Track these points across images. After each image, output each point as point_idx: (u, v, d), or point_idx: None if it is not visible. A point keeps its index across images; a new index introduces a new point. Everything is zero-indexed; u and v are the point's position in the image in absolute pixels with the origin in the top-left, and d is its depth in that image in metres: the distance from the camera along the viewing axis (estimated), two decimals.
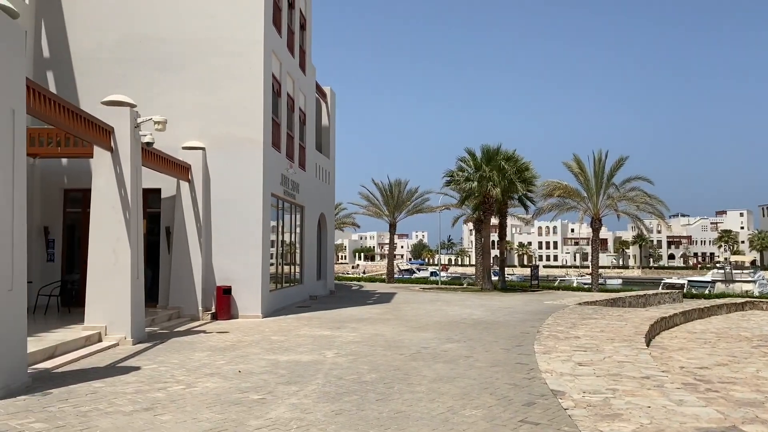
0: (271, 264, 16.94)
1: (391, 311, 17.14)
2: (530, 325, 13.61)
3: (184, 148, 15.05)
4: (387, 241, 43.15)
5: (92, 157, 11.28)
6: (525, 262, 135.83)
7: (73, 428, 5.50)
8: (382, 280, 38.81)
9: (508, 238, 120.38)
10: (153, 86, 15.37)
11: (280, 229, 18.14)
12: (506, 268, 35.55)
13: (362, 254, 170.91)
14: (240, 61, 15.55)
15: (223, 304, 14.71)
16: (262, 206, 15.39)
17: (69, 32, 15.68)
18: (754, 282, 59.93)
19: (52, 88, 14.98)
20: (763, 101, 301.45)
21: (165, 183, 14.98)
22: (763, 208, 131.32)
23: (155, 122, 11.44)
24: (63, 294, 13.92)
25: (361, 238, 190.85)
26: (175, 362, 8.94)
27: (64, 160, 14.97)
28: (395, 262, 50.75)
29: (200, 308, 14.65)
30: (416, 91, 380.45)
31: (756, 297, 28.15)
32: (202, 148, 15.24)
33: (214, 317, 14.69)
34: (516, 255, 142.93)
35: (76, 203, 15.19)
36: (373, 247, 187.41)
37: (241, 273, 15.05)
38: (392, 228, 39.68)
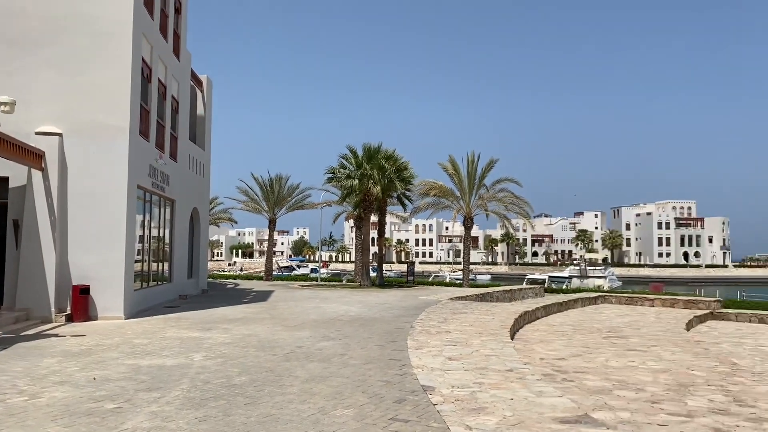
0: (137, 261, 15.87)
1: (266, 310, 16.73)
2: (405, 320, 13.87)
3: (38, 133, 13.66)
4: (266, 237, 42.19)
5: None
6: (402, 259, 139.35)
7: None
8: (260, 278, 37.92)
9: (387, 235, 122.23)
10: (5, 64, 13.82)
11: (147, 224, 17.04)
12: (384, 265, 36.18)
13: (240, 251, 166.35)
14: (106, 41, 14.39)
15: (80, 305, 13.53)
16: (126, 199, 14.34)
17: None
18: (605, 278, 65.91)
19: None
20: (617, 109, 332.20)
21: (13, 171, 13.53)
22: (614, 210, 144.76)
23: (0, 103, 10.24)
24: None
25: (239, 235, 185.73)
26: (18, 370, 8.05)
27: None
28: (275, 259, 49.80)
29: (53, 309, 13.38)
30: (300, 85, 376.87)
31: (606, 291, 30.86)
32: (59, 134, 13.91)
33: (70, 319, 13.48)
34: (394, 252, 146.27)
35: None
36: (252, 243, 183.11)
37: (102, 271, 13.93)
38: (272, 224, 38.87)
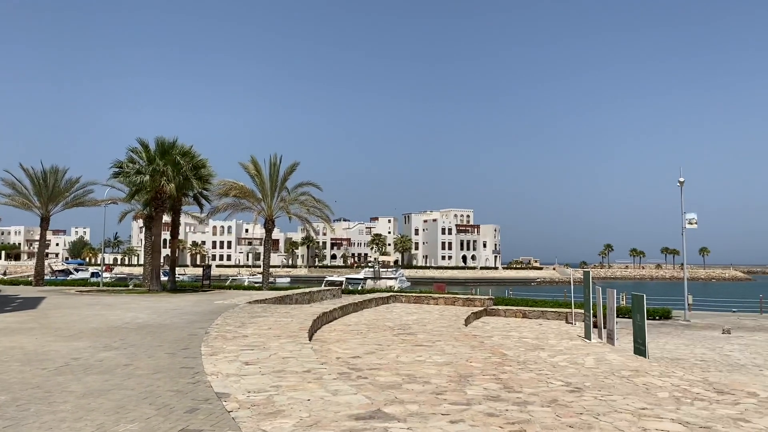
0: None
1: (36, 319, 14.72)
2: (199, 326, 13.22)
3: None
4: (38, 237, 37.23)
5: None
6: (198, 262, 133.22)
7: None
8: (29, 283, 33.38)
9: (181, 236, 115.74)
10: None
11: None
12: (177, 268, 34.18)
13: (3, 252, 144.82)
14: None
15: None
16: None
17: None
18: (396, 279, 70.19)
19: None
20: (414, 120, 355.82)
21: None
22: (405, 216, 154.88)
23: None
24: None
25: (2, 234, 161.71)
26: None
27: None
28: (47, 261, 44.17)
29: None
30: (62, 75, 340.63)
31: (397, 291, 32.79)
32: None
33: None
34: (189, 254, 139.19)
35: None
36: (20, 243, 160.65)
37: None
38: (45, 222, 34.48)
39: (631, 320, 16.09)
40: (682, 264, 34.10)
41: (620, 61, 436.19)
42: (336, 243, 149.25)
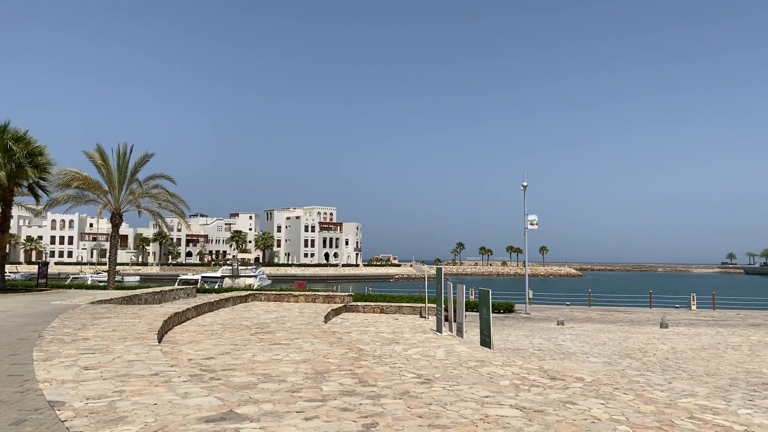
0: None
1: None
2: (32, 329, 11.99)
3: None
4: None
5: None
6: (34, 259, 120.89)
7: None
8: None
9: (13, 230, 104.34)
10: None
11: None
12: (8, 266, 30.70)
13: None
14: None
15: None
16: None
17: None
18: (256, 277, 68.77)
19: None
20: (271, 119, 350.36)
21: None
22: (267, 213, 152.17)
23: None
24: None
25: None
26: None
27: None
28: None
29: None
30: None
31: (257, 290, 32.17)
32: None
33: None
34: (23, 251, 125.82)
35: None
36: None
37: None
38: None
39: (479, 314, 17.17)
40: (525, 261, 36.99)
41: (454, 59, 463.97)
42: (192, 240, 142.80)
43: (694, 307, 35.44)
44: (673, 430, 6.90)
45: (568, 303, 37.88)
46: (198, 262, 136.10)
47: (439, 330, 17.53)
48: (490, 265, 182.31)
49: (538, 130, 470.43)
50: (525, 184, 31.83)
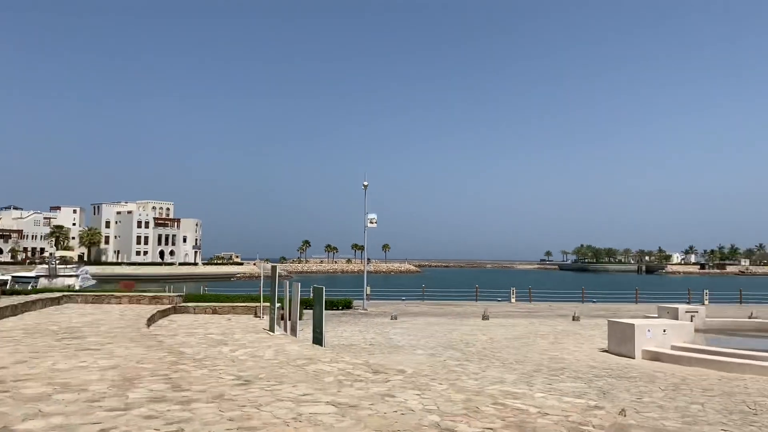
0: None
1: None
2: None
3: None
4: None
5: None
6: None
7: None
8: None
9: None
10: None
11: None
12: None
13: None
14: None
15: None
16: None
17: None
18: (77, 276, 62.79)
19: None
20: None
21: None
22: (94, 207, 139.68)
23: None
24: None
25: None
26: None
27: None
28: None
29: None
30: None
31: (76, 291, 29.32)
32: None
33: None
34: None
35: None
36: None
37: None
38: None
39: (312, 312, 17.15)
40: (364, 259, 37.90)
41: (304, 57, 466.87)
42: (4, 235, 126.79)
43: (513, 300, 38.79)
44: (477, 415, 7.37)
45: (404, 298, 39.45)
46: (10, 260, 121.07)
47: (271, 329, 17.22)
48: (336, 262, 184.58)
49: (376, 135, 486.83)
50: (366, 183, 32.56)
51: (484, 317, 24.74)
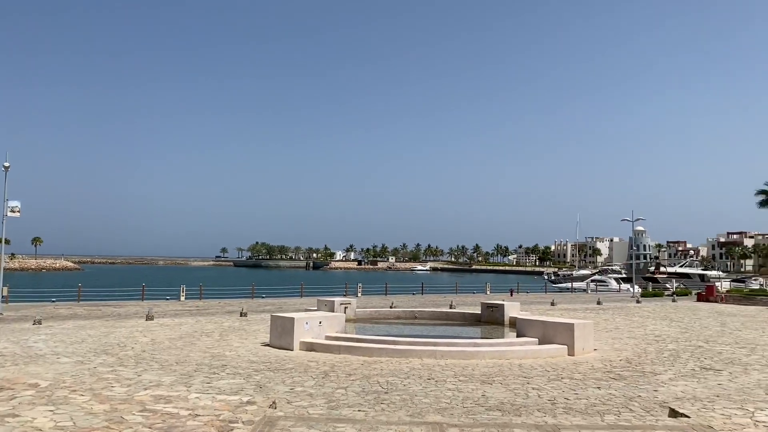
0: None
1: None
2: None
3: None
4: None
5: None
6: None
7: None
8: None
9: None
10: None
11: None
12: None
13: None
14: None
15: None
16: None
17: None
18: None
19: None
20: None
21: None
22: None
23: None
24: None
25: None
26: None
27: None
28: None
29: None
30: None
31: None
32: None
33: None
34: None
35: None
36: None
37: None
38: None
39: None
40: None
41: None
42: None
43: (183, 298, 37.62)
44: (119, 426, 6.77)
45: (54, 299, 34.75)
46: None
47: None
48: None
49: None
50: (7, 164, 27.53)
51: (149, 317, 23.30)
